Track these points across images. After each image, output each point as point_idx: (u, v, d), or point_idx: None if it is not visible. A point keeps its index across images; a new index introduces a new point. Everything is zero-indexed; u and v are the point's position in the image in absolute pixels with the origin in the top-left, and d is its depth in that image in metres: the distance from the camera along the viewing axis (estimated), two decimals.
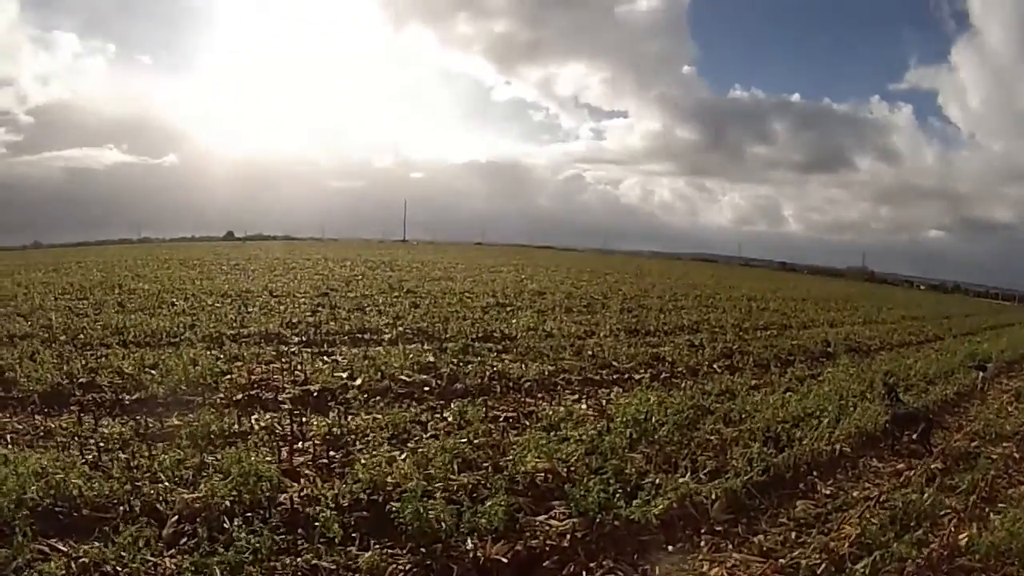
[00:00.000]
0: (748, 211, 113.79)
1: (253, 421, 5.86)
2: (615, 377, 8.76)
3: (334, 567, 3.63)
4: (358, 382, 7.22)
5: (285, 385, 7.01)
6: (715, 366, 9.92)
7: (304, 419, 5.88)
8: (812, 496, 5.19)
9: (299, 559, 3.65)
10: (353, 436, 5.60)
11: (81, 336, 9.20)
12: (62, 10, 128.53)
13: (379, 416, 6.14)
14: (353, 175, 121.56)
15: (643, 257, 68.96)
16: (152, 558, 3.55)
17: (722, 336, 12.90)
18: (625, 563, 3.95)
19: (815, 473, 5.62)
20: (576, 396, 7.57)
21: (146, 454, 4.81)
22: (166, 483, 4.32)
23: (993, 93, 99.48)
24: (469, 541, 3.95)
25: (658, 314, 15.81)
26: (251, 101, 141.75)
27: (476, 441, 5.44)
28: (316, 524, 3.93)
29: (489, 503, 4.23)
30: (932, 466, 5.95)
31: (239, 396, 6.60)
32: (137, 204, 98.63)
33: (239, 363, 7.86)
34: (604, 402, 7.17)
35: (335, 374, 7.52)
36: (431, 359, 8.54)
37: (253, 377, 7.19)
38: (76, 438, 5.25)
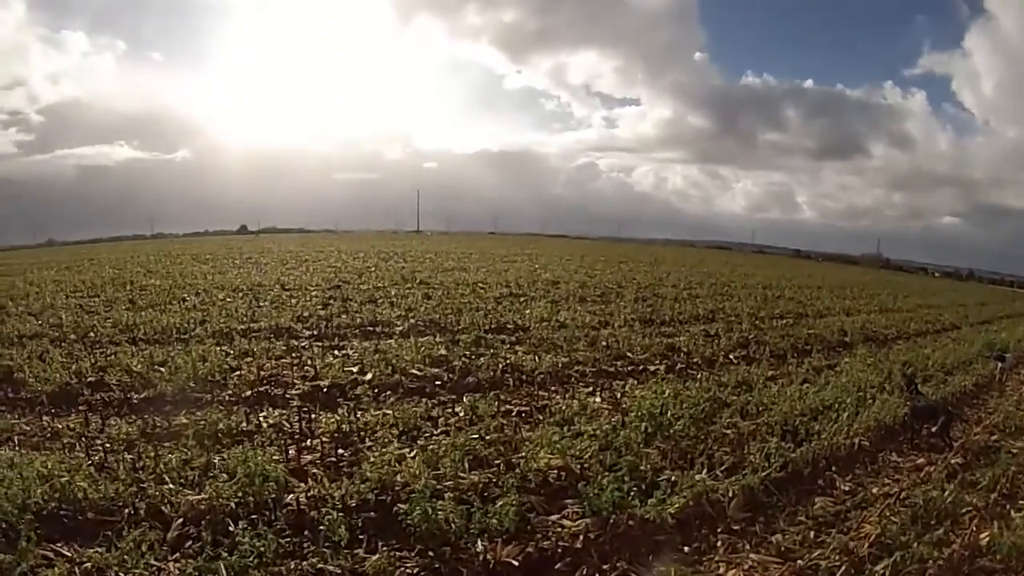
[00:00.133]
0: (761, 198, 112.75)
1: (261, 418, 5.80)
2: (630, 368, 8.61)
3: (340, 571, 3.56)
4: (368, 377, 7.13)
5: (295, 381, 6.95)
6: (731, 356, 9.73)
7: (313, 416, 5.83)
8: (831, 493, 5.05)
9: (305, 563, 3.58)
10: (362, 433, 5.53)
11: (91, 334, 9.21)
12: (70, 9, 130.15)
13: (389, 412, 6.06)
14: (366, 167, 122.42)
15: (657, 245, 68.32)
16: (156, 563, 3.50)
17: (738, 325, 12.66)
18: (639, 565, 3.85)
19: (834, 468, 5.47)
20: (590, 388, 7.43)
21: (152, 455, 4.77)
22: (171, 485, 4.26)
23: (1007, 79, 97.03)
24: (479, 543, 3.86)
25: (673, 303, 15.56)
26: (262, 95, 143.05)
27: (488, 437, 5.34)
28: (322, 526, 3.87)
29: (500, 503, 4.14)
30: (952, 461, 5.80)
31: (248, 393, 6.56)
32: (150, 200, 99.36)
33: (249, 359, 7.82)
34: (619, 395, 7.04)
35: (345, 369, 7.45)
36: (443, 352, 8.43)
37: (262, 373, 7.13)
38: (83, 439, 5.21)
